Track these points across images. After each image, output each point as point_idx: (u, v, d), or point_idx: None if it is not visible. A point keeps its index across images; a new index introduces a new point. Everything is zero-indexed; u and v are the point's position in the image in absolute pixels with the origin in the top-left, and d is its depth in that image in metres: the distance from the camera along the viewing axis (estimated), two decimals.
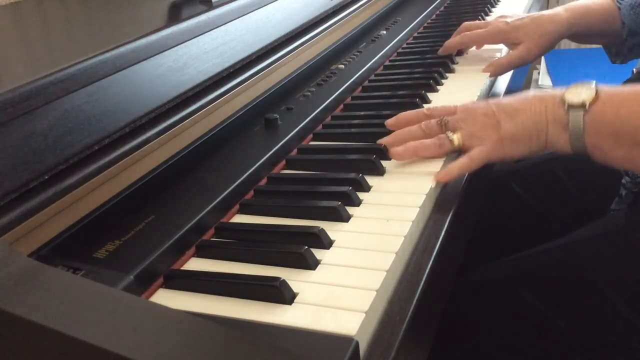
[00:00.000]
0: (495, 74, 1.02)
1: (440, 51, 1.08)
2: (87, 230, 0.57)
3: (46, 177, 0.54)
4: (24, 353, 0.41)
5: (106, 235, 0.57)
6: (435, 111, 0.78)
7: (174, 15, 0.82)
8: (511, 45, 1.03)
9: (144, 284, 0.53)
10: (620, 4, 1.01)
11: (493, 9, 1.39)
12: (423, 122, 0.77)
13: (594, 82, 0.69)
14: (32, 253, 0.52)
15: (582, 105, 0.68)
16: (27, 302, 0.41)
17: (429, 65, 1.03)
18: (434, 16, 1.37)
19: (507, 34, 1.02)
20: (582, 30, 1.03)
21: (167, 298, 0.53)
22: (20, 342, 0.41)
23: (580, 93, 0.68)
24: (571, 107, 0.68)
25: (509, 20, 1.03)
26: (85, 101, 0.59)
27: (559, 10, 1.02)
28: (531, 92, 0.75)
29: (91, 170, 0.58)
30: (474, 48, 1.12)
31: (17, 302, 0.41)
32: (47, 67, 0.58)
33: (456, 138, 0.74)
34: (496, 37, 1.04)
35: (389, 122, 0.80)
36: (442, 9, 1.43)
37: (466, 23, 1.09)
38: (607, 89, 0.69)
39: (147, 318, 0.42)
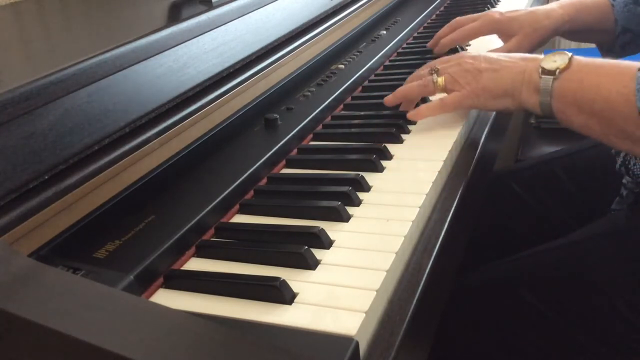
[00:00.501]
0: None
1: (437, 50, 1.07)
2: (87, 230, 0.57)
3: (46, 177, 0.54)
4: (24, 353, 0.41)
5: (106, 235, 0.56)
6: (430, 63, 0.86)
7: (174, 15, 0.82)
8: (504, 37, 1.02)
9: (144, 284, 0.53)
10: (614, 1, 1.01)
11: (493, 10, 1.39)
12: (419, 69, 0.87)
13: (571, 53, 0.74)
14: (32, 253, 0.52)
15: (553, 72, 0.73)
16: (27, 302, 0.41)
17: None
18: (434, 16, 1.37)
19: (501, 24, 1.01)
20: (576, 27, 1.03)
21: (167, 298, 0.53)
22: (20, 342, 0.41)
23: (556, 60, 0.74)
24: (544, 72, 0.74)
25: (505, 12, 1.02)
26: (85, 101, 0.59)
27: (554, 6, 1.02)
28: (520, 54, 0.81)
29: (91, 170, 0.58)
30: (471, 47, 1.12)
31: (17, 302, 0.41)
32: (47, 67, 0.58)
33: (440, 80, 0.81)
34: (490, 27, 1.03)
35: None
36: (442, 9, 1.43)
37: (459, 18, 1.07)
38: (580, 59, 0.74)
39: (147, 318, 0.42)
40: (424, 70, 0.85)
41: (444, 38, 1.06)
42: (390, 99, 0.86)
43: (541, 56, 0.76)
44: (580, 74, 0.72)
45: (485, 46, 1.08)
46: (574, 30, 1.04)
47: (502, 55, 0.80)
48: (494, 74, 0.78)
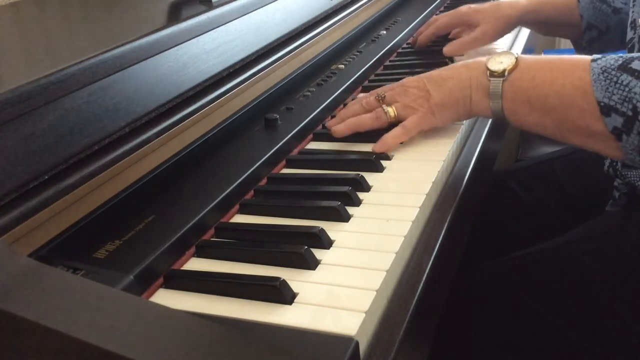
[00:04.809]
0: (452, 54, 1.07)
1: (417, 47, 1.15)
2: (87, 230, 0.57)
3: (46, 177, 0.54)
4: (24, 353, 0.41)
5: (106, 235, 0.56)
6: (375, 91, 0.84)
7: (174, 15, 0.82)
8: (471, 27, 1.09)
9: (144, 284, 0.53)
10: None
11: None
12: (364, 100, 0.84)
13: (515, 52, 0.76)
14: (32, 253, 0.52)
15: (502, 73, 0.73)
16: (27, 302, 0.41)
17: (428, 66, 1.03)
18: (434, 16, 1.37)
19: (467, 16, 1.09)
20: (541, 19, 1.08)
21: (167, 298, 0.53)
22: (20, 341, 0.41)
23: (502, 61, 0.74)
24: (492, 74, 0.74)
25: (472, 5, 1.10)
26: (85, 101, 0.59)
27: None
28: (459, 62, 0.81)
29: (91, 170, 0.58)
30: (464, 56, 1.12)
31: (17, 302, 0.41)
32: (47, 67, 0.58)
33: (391, 110, 0.80)
34: (459, 19, 1.11)
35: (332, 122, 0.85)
36: (442, 9, 1.43)
37: (435, 17, 1.16)
38: (526, 57, 0.74)
39: (147, 318, 0.42)
40: (369, 97, 0.83)
41: (421, 35, 1.14)
42: (341, 129, 0.81)
43: (484, 59, 0.76)
44: (530, 72, 0.72)
45: (480, 54, 1.09)
46: (540, 22, 1.10)
47: (442, 69, 0.80)
48: (441, 89, 0.78)
